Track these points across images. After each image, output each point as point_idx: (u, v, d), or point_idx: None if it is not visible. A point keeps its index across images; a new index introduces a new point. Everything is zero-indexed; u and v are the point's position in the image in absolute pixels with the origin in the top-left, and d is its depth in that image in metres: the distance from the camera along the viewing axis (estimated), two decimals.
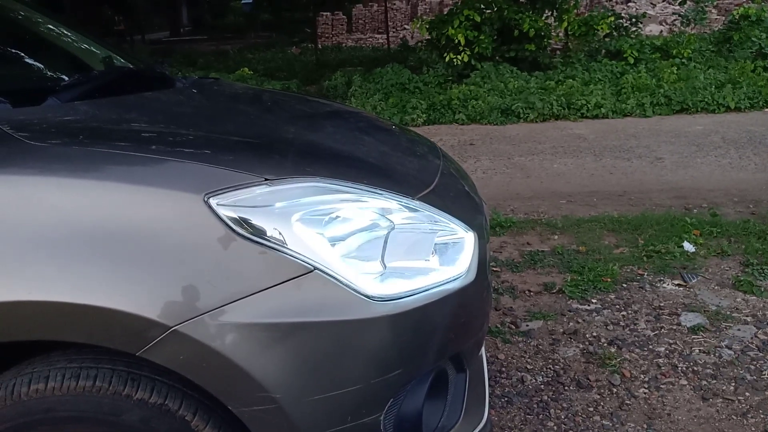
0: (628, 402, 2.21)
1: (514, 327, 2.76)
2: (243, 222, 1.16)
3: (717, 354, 2.48)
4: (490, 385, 2.03)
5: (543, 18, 9.52)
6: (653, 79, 8.25)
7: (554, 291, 3.07)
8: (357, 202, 1.29)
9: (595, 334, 2.66)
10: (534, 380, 2.36)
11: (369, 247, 1.26)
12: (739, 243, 3.54)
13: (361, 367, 1.22)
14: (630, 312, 2.84)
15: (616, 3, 16.39)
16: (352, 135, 1.85)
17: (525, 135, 6.96)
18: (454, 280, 1.34)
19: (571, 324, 2.75)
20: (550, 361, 2.49)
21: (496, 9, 9.28)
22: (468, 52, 8.92)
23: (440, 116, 7.88)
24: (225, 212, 1.15)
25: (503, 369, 2.44)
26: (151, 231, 1.14)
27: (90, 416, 1.19)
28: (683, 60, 9.12)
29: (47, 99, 1.47)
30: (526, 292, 3.08)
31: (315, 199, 1.25)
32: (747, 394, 2.23)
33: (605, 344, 2.58)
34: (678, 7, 11.75)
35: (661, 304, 2.89)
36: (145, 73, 2.15)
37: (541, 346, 2.59)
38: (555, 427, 2.11)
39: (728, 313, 2.78)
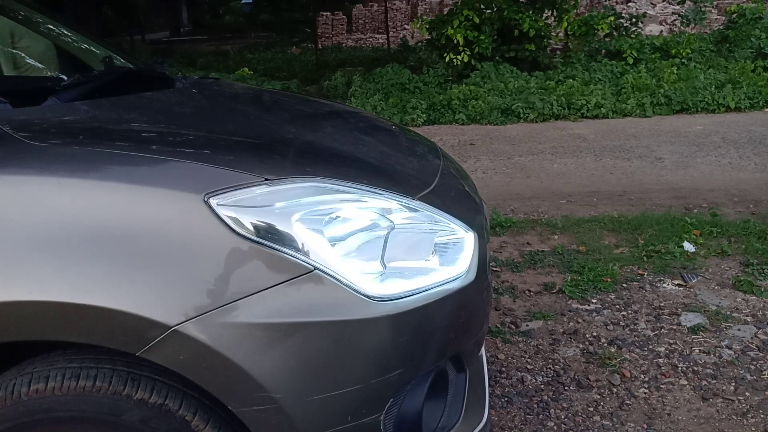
0: (628, 402, 2.21)
1: (514, 327, 2.76)
2: (243, 222, 1.16)
3: (717, 354, 2.48)
4: (490, 385, 2.03)
5: (543, 18, 9.51)
6: (653, 79, 8.25)
7: (554, 291, 3.07)
8: (357, 202, 1.29)
9: (595, 334, 2.66)
10: (534, 380, 2.36)
11: (369, 247, 1.26)
12: (739, 243, 3.54)
13: (361, 367, 1.22)
14: (630, 312, 2.84)
15: (616, 3, 16.38)
16: (352, 135, 1.85)
17: (525, 135, 6.96)
18: (454, 280, 1.34)
19: (571, 324, 2.75)
20: (550, 361, 2.49)
21: (495, 9, 9.28)
22: (468, 52, 8.92)
23: (440, 116, 7.88)
24: (225, 212, 1.15)
25: (503, 369, 2.44)
26: (151, 231, 1.14)
27: (90, 416, 1.19)
28: (683, 60, 9.12)
29: (47, 99, 1.47)
30: (526, 292, 3.08)
31: (315, 199, 1.25)
32: (747, 394, 2.23)
33: (605, 344, 2.58)
34: (678, 7, 11.74)
35: (661, 304, 2.89)
36: (145, 73, 2.15)
37: (541, 346, 2.59)
38: (555, 427, 2.11)
39: (728, 313, 2.78)
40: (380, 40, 16.77)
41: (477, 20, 8.86)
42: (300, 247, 1.18)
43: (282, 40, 19.92)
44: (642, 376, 2.35)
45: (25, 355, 1.26)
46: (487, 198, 2.23)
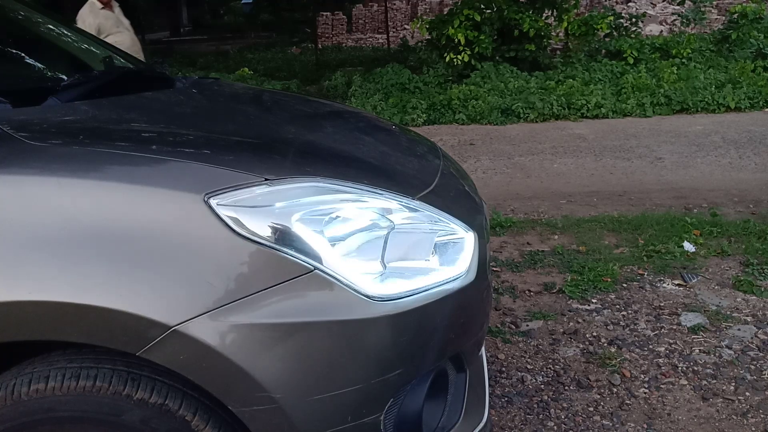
0: (628, 402, 2.21)
1: (514, 327, 2.76)
2: (243, 222, 1.16)
3: (717, 354, 2.48)
4: (490, 385, 2.03)
5: (543, 18, 9.51)
6: (653, 79, 8.25)
7: (554, 291, 3.07)
8: (357, 202, 1.29)
9: (595, 334, 2.66)
10: (534, 380, 2.36)
11: (369, 247, 1.26)
12: (739, 243, 3.54)
13: (361, 367, 1.22)
14: (630, 312, 2.84)
15: (616, 3, 16.38)
16: (352, 135, 1.85)
17: (525, 135, 6.96)
18: (454, 280, 1.34)
19: (571, 324, 2.75)
20: (550, 361, 2.49)
21: (496, 9, 9.27)
22: (468, 52, 8.92)
23: (440, 116, 7.87)
24: (225, 212, 1.15)
25: (503, 369, 2.44)
26: (151, 231, 1.14)
27: (90, 416, 1.19)
28: (683, 60, 9.11)
29: (47, 99, 1.47)
30: (526, 292, 3.08)
31: (315, 199, 1.25)
32: (747, 394, 2.23)
33: (605, 344, 2.58)
34: (678, 7, 11.74)
35: (661, 304, 2.89)
36: (145, 73, 2.15)
37: (541, 346, 2.59)
38: (555, 427, 2.11)
39: (728, 313, 2.78)
40: (380, 40, 16.77)
41: (478, 18, 8.85)
42: (300, 247, 1.18)
43: (282, 40, 19.91)
44: (642, 376, 2.36)
45: (25, 355, 1.26)
46: (487, 198, 2.23)
